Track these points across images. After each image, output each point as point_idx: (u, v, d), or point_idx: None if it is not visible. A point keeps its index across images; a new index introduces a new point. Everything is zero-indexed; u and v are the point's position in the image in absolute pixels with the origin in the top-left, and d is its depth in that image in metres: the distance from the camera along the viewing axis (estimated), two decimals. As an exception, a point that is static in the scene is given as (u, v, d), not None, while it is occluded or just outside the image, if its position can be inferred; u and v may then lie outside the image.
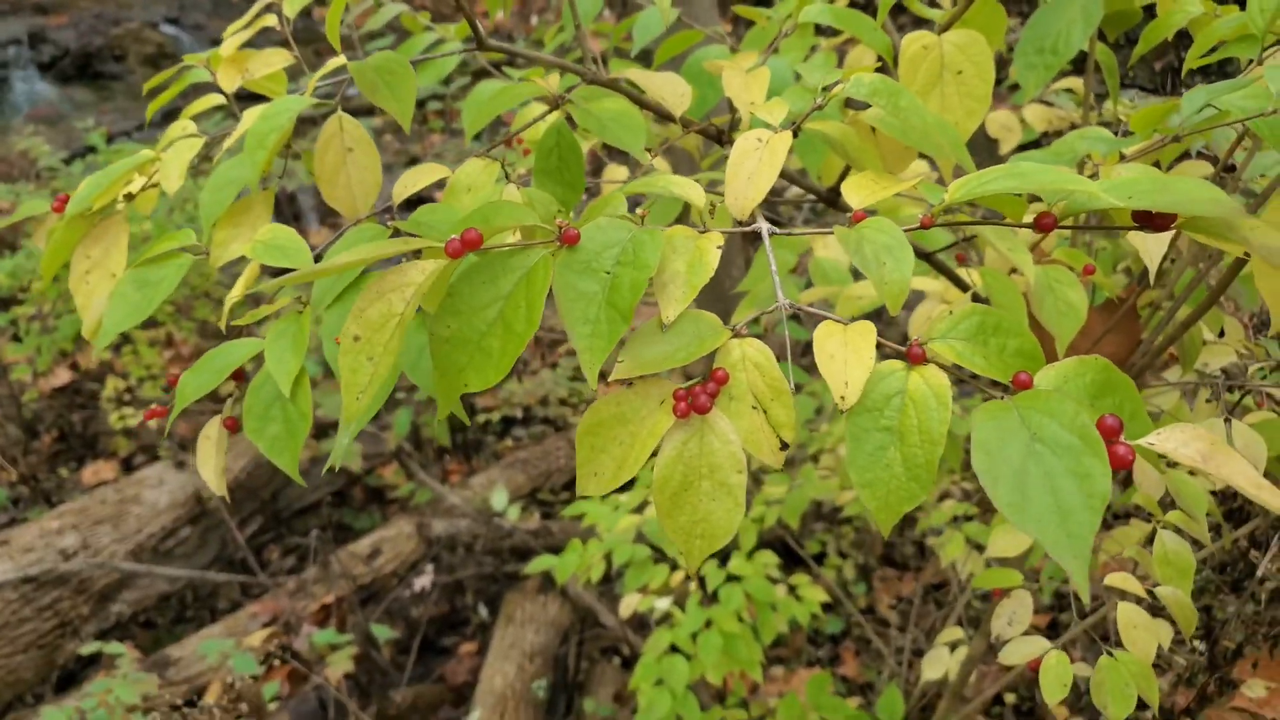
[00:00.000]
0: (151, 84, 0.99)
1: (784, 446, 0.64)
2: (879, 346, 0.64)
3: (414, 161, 6.15)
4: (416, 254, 0.65)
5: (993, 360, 0.61)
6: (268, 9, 0.98)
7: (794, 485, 2.81)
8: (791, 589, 2.73)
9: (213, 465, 0.80)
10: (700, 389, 0.63)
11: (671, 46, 1.49)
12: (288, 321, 0.79)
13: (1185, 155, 1.71)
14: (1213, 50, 1.21)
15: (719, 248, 0.66)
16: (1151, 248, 0.92)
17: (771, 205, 2.25)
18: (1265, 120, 0.87)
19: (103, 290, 0.83)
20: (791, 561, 3.07)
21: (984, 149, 1.90)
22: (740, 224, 0.74)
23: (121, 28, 8.11)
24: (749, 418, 0.63)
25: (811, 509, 3.31)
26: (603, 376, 0.62)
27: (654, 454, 0.63)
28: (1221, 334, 1.68)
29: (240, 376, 0.82)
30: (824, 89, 0.79)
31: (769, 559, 2.73)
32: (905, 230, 0.66)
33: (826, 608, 3.09)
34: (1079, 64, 1.66)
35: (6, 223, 0.95)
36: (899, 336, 0.70)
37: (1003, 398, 0.58)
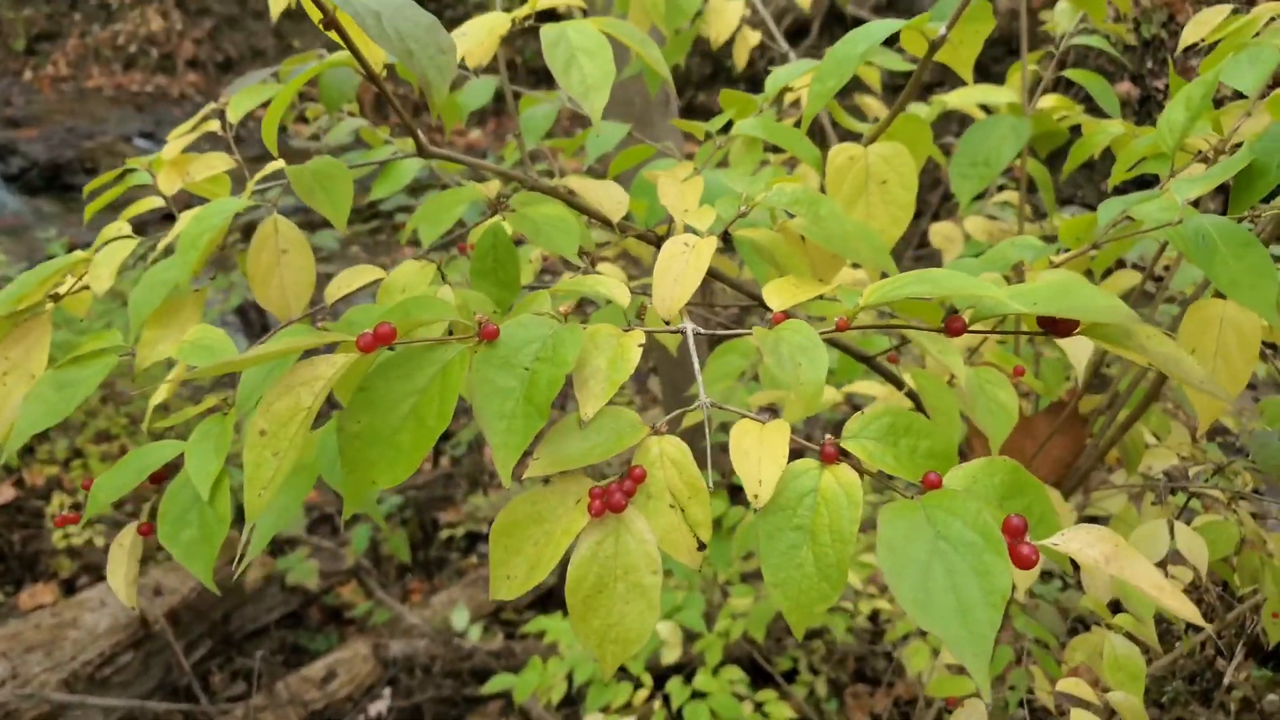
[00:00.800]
0: (92, 185, 1.00)
1: (701, 547, 0.63)
2: (795, 448, 0.64)
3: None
4: (332, 345, 0.65)
5: (903, 460, 0.61)
6: (214, 114, 1.00)
7: (760, 597, 2.77)
8: (758, 706, 2.66)
9: (123, 574, 0.77)
10: (616, 486, 0.62)
11: (624, 160, 1.53)
12: (211, 423, 0.77)
13: (1121, 263, 1.76)
14: (1135, 166, 1.27)
15: (640, 345, 0.67)
16: (1076, 352, 0.93)
17: (713, 308, 2.28)
18: (1174, 229, 0.90)
19: (19, 392, 0.82)
20: (760, 678, 3.00)
21: (931, 259, 1.95)
22: (667, 323, 0.75)
23: (94, 141, 8.23)
24: (666, 516, 0.63)
25: (781, 624, 3.25)
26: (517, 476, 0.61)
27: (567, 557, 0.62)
28: (1169, 435, 1.71)
29: (159, 479, 0.80)
30: (749, 198, 0.81)
31: (735, 675, 2.66)
32: (822, 333, 0.67)
33: (800, 728, 3.01)
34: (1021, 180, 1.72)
35: None
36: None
37: (913, 497, 0.58)
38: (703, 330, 0.72)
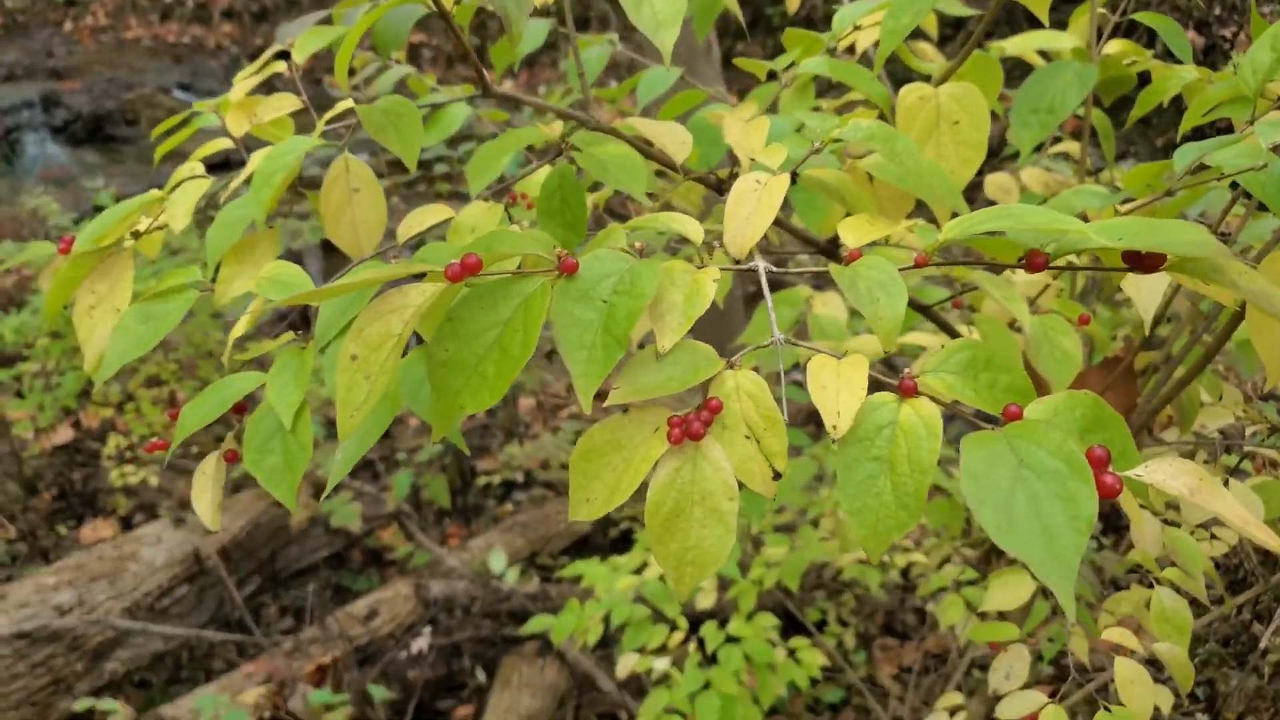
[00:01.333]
0: (160, 129, 1.02)
1: (777, 476, 0.64)
2: (872, 381, 0.64)
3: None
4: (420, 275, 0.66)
5: (983, 394, 0.62)
6: (279, 56, 1.01)
7: (794, 548, 2.79)
8: (791, 652, 2.69)
9: (208, 499, 0.80)
10: (695, 416, 0.63)
11: (675, 106, 1.52)
12: (290, 355, 0.79)
13: (1181, 218, 1.73)
14: (1210, 112, 1.24)
15: (715, 281, 0.68)
16: (1145, 297, 0.93)
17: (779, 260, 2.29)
18: (1255, 175, 0.88)
19: (106, 325, 0.84)
20: (791, 627, 3.03)
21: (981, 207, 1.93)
22: (738, 263, 0.76)
23: (134, 92, 8.29)
24: (742, 446, 0.64)
25: (812, 577, 3.28)
26: (599, 401, 0.63)
27: (644, 483, 0.64)
28: (1220, 399, 1.69)
29: (242, 410, 0.83)
30: (825, 133, 0.81)
31: (768, 621, 2.69)
32: (900, 270, 0.67)
33: (827, 676, 3.04)
34: (1078, 131, 1.69)
35: (12, 261, 0.97)
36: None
37: (993, 430, 0.59)
38: (775, 268, 0.73)
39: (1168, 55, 1.55)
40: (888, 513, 0.60)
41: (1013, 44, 1.64)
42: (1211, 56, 4.67)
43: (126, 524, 4.04)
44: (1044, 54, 1.79)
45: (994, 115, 1.49)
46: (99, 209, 5.01)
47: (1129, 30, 1.72)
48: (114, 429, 4.26)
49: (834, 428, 0.61)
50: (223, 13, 9.75)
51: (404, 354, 0.75)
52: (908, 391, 0.62)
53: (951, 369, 0.64)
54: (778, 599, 3.05)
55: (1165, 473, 0.56)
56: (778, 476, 0.64)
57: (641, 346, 0.68)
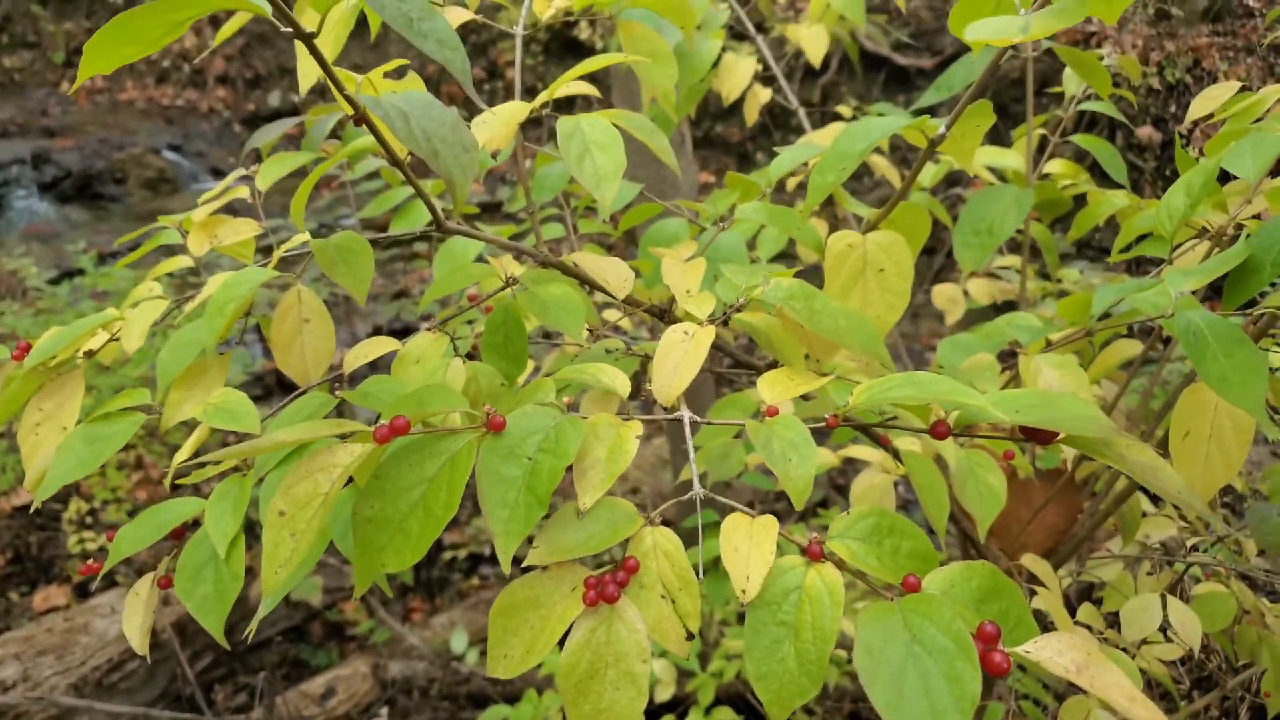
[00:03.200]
0: (122, 240, 1.05)
1: (690, 636, 0.66)
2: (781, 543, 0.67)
3: (401, 294, 6.27)
4: (348, 434, 0.69)
5: (885, 560, 0.65)
6: (243, 179, 1.05)
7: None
8: (749, 749, 2.68)
9: (138, 624, 0.81)
10: (610, 578, 0.65)
11: (634, 217, 1.57)
12: (230, 484, 0.81)
13: (1129, 330, 1.78)
14: (1134, 245, 1.30)
15: (638, 436, 0.70)
16: (1067, 439, 0.96)
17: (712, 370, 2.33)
18: (1168, 320, 0.93)
19: (51, 443, 0.86)
20: (753, 719, 3.01)
21: (935, 316, 1.97)
22: (667, 411, 0.79)
23: (125, 152, 8.37)
24: (657, 606, 0.66)
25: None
26: (518, 561, 0.65)
27: (563, 638, 0.66)
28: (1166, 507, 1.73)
29: (179, 534, 0.84)
30: (748, 289, 0.84)
31: (727, 715, 2.68)
32: (812, 427, 0.71)
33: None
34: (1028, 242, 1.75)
35: None
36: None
37: (892, 598, 0.61)
38: (700, 419, 0.76)
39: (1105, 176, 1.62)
40: (791, 679, 0.62)
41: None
42: (1169, 151, 4.83)
43: (82, 591, 3.98)
44: (993, 169, 1.86)
45: (944, 228, 1.54)
46: (79, 271, 5.03)
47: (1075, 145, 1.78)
48: (77, 492, 4.22)
49: (743, 591, 0.63)
50: (217, 78, 9.89)
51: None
52: (814, 556, 0.65)
53: (857, 535, 0.66)
54: (738, 690, 3.04)
55: (1052, 650, 0.58)
56: (690, 637, 0.66)
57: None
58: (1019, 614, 0.63)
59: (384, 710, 3.54)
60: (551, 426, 0.68)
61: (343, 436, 0.66)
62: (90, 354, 0.93)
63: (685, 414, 0.76)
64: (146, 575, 0.86)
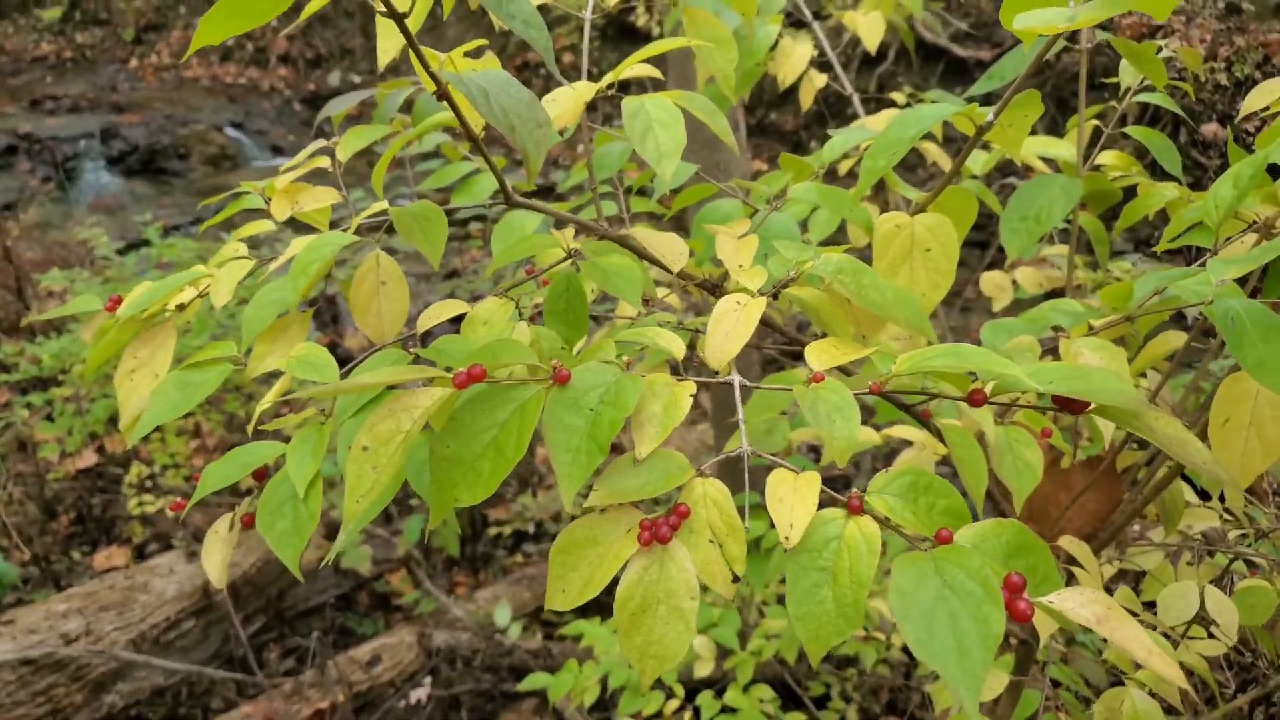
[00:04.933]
0: (206, 202, 1.12)
1: (735, 579, 0.71)
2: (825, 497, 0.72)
3: (454, 274, 6.39)
4: (430, 379, 0.75)
5: (920, 516, 0.69)
6: (322, 151, 1.11)
7: (793, 621, 2.82)
8: (786, 727, 2.72)
9: (217, 558, 0.88)
10: (663, 520, 0.71)
11: (686, 198, 1.62)
12: (310, 429, 0.88)
13: (1180, 316, 1.79)
14: (1181, 236, 1.31)
15: (691, 395, 0.76)
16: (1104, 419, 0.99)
17: (760, 348, 2.37)
18: (1208, 307, 0.96)
19: (145, 388, 0.93)
20: (790, 700, 3.05)
21: (986, 310, 2.00)
22: (716, 375, 0.84)
23: (188, 128, 8.59)
24: (706, 550, 0.71)
25: (816, 649, 3.28)
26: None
27: (618, 576, 0.71)
28: (1222, 497, 1.73)
29: (261, 475, 0.91)
30: (799, 264, 0.89)
31: (765, 694, 2.73)
32: (856, 392, 0.75)
33: (827, 754, 3.06)
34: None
35: (58, 313, 1.06)
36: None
37: (925, 549, 0.66)
38: (749, 383, 0.81)
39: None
40: (829, 619, 0.67)
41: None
42: (1239, 145, 4.75)
43: (140, 553, 4.13)
44: (1046, 158, 1.88)
45: (994, 216, 1.57)
46: (145, 242, 5.20)
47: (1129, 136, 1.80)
48: (137, 457, 4.37)
49: (786, 538, 0.68)
50: (279, 57, 10.08)
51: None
52: (854, 509, 0.70)
53: (894, 491, 0.71)
54: (777, 669, 3.08)
55: (1076, 601, 0.62)
56: (737, 579, 0.71)
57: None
58: (1045, 570, 0.67)
59: (428, 679, 3.64)
60: (612, 382, 0.74)
61: (425, 382, 0.72)
62: (181, 307, 1.00)
63: (736, 378, 0.81)
64: (225, 514, 0.93)
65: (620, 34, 8.45)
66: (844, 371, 1.02)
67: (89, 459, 4.47)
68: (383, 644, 3.63)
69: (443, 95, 0.79)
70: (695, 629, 0.69)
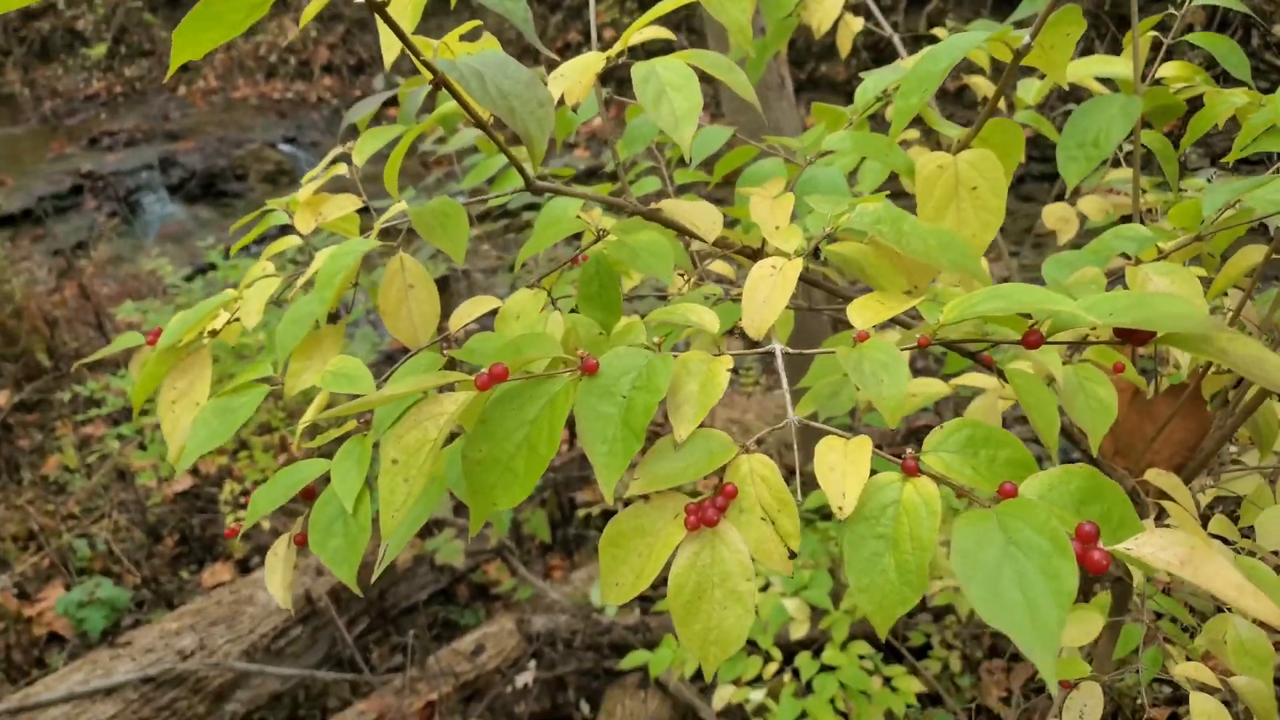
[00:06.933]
0: (236, 226, 1.11)
1: (792, 555, 0.68)
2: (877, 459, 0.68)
3: (511, 269, 6.41)
4: (453, 384, 0.73)
5: (981, 470, 0.65)
6: (339, 159, 1.10)
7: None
8: (887, 680, 2.68)
9: (279, 579, 0.87)
10: (709, 503, 0.68)
11: (730, 161, 1.57)
12: (353, 444, 0.87)
13: (1263, 227, 1.68)
14: (1246, 147, 1.23)
15: (729, 370, 0.72)
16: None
17: (814, 309, 2.32)
18: (1286, 216, 0.89)
19: (187, 418, 0.93)
20: (890, 654, 3.01)
21: (1055, 243, 1.91)
22: (756, 344, 0.80)
23: (243, 149, 8.76)
24: (758, 529, 0.68)
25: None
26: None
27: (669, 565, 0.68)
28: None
29: (310, 494, 0.90)
30: (834, 219, 0.84)
31: (863, 649, 2.70)
32: (904, 348, 0.71)
33: (934, 701, 3.01)
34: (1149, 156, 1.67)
35: (103, 354, 1.07)
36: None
37: (989, 506, 0.61)
38: (791, 350, 0.77)
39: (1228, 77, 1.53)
40: (892, 589, 0.63)
41: (1067, 72, 1.64)
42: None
43: (244, 567, 4.25)
44: (1102, 80, 1.78)
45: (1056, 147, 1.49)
46: (211, 266, 5.33)
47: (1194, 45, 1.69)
48: (230, 475, 4.50)
49: (839, 509, 0.65)
50: (322, 68, 10.22)
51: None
52: (910, 471, 0.66)
53: (951, 448, 0.67)
54: (871, 628, 3.04)
55: (1155, 545, 0.58)
56: (793, 555, 0.68)
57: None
58: (1121, 514, 0.63)
59: (531, 663, 3.68)
60: (643, 365, 0.71)
61: (447, 387, 0.69)
62: (214, 333, 1.00)
63: (776, 346, 0.78)
64: (283, 535, 0.93)
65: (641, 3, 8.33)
66: (903, 325, 0.97)
67: (185, 482, 4.61)
68: (484, 633, 3.69)
69: (440, 83, 0.76)
70: (754, 611, 0.66)
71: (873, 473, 0.66)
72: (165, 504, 4.50)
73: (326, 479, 0.89)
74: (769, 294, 0.79)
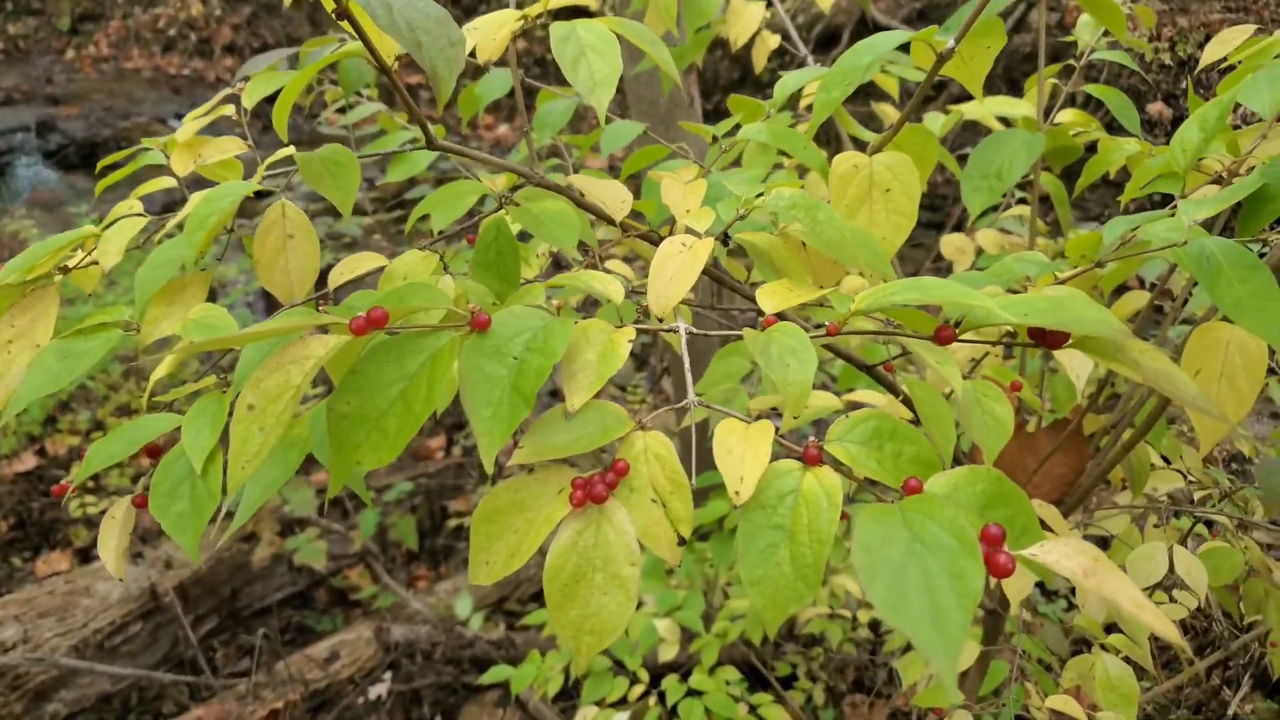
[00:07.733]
0: (105, 162, 1.02)
1: (682, 542, 0.63)
2: (783, 451, 0.64)
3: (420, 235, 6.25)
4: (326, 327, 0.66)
5: (886, 465, 0.62)
6: (228, 99, 1.02)
7: (758, 602, 2.77)
8: (753, 709, 2.66)
9: (113, 546, 0.78)
10: (599, 478, 0.63)
11: (638, 160, 1.54)
12: (209, 400, 0.78)
13: (1140, 282, 1.75)
14: (1148, 185, 1.26)
15: (630, 341, 0.67)
16: (1077, 367, 0.93)
17: (728, 312, 2.30)
18: (1181, 250, 0.89)
19: (23, 360, 0.83)
20: (757, 682, 3.00)
21: (945, 271, 1.94)
22: (660, 322, 0.76)
23: (130, 121, 8.35)
24: (648, 510, 0.63)
25: (784, 630, 3.26)
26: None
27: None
28: (1179, 460, 1.70)
29: (156, 453, 0.81)
30: (748, 201, 0.81)
31: (731, 675, 2.67)
32: (813, 337, 0.67)
33: (795, 734, 3.01)
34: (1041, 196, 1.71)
35: None
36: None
37: (892, 501, 0.58)
38: (695, 330, 0.73)
39: (1118, 127, 1.58)
40: (786, 583, 0.59)
41: (971, 109, 1.67)
42: (1179, 126, 4.78)
43: (84, 556, 3.98)
44: (1004, 120, 1.82)
45: (956, 180, 1.51)
46: (79, 236, 5.03)
47: (1091, 100, 1.75)
48: (79, 458, 4.22)
49: (736, 494, 0.61)
50: (224, 47, 9.84)
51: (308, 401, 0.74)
52: (811, 460, 0.62)
53: (857, 439, 0.63)
54: (744, 652, 3.02)
55: (1059, 553, 0.55)
56: (683, 542, 0.63)
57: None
58: (1025, 521, 0.60)
59: (387, 674, 3.55)
60: (539, 326, 0.65)
61: (320, 331, 0.63)
62: (66, 270, 0.90)
63: (681, 325, 0.73)
64: (122, 498, 0.83)
65: None
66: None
67: (28, 462, 4.31)
68: (340, 640, 3.54)
69: (342, 13, 0.70)
70: (636, 599, 0.61)
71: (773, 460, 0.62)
72: (4, 484, 4.19)
73: (175, 439, 0.80)
74: (677, 271, 0.75)
